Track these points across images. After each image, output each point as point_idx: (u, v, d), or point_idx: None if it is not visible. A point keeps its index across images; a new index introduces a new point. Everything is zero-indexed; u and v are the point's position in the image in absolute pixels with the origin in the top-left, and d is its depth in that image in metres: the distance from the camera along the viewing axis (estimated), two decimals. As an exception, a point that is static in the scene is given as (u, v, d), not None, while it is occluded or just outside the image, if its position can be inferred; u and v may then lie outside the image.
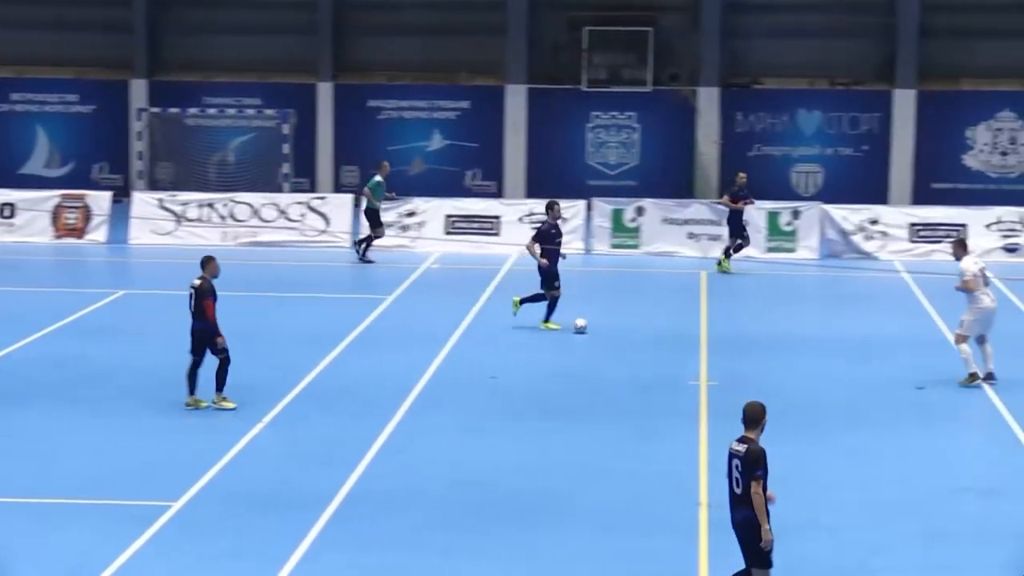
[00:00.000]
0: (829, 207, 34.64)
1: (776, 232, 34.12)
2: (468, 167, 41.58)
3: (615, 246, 34.65)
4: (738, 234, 32.36)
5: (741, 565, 13.95)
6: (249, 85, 41.84)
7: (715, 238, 34.05)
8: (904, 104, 40.45)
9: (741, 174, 33.34)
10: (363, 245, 33.11)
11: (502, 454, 18.85)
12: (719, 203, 33.90)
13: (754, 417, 13.50)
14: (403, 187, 39.23)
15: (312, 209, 35.70)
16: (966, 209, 35.05)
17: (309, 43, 41.75)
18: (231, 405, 20.45)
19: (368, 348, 24.54)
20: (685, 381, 22.49)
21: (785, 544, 15.66)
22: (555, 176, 40.77)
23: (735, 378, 22.59)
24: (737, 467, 13.40)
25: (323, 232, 35.37)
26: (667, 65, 40.80)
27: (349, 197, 36.37)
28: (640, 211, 34.73)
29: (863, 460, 18.69)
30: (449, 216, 35.35)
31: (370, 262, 32.77)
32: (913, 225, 34.49)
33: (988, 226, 34.19)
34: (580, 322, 25.64)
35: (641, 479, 17.82)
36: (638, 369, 23.25)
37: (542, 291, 25.92)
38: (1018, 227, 34.01)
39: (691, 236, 34.32)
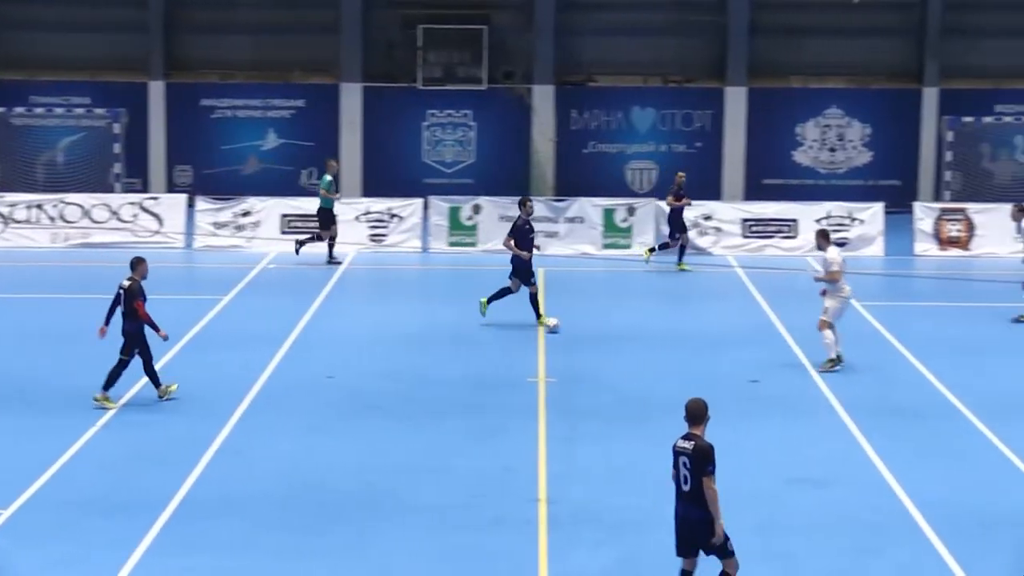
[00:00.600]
0: (664, 203, 34.95)
1: (612, 229, 34.36)
2: (303, 166, 41.26)
3: (453, 244, 34.64)
4: (680, 233, 32.59)
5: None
6: (78, 84, 41.06)
7: (551, 235, 34.22)
8: (735, 101, 41.01)
9: (680, 173, 33.81)
10: (331, 248, 32.89)
11: (340, 454, 18.73)
12: (663, 203, 33.98)
13: (697, 414, 13.58)
14: (237, 187, 38.90)
15: (145, 210, 35.16)
16: (796, 204, 35.61)
17: (140, 41, 41.09)
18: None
19: (204, 349, 24.24)
20: (524, 378, 22.54)
21: (627, 537, 15.79)
22: (392, 175, 40.66)
23: (573, 374, 22.71)
24: (685, 464, 13.42)
25: (156, 233, 34.86)
26: (502, 63, 40.90)
27: (183, 197, 35.89)
28: (477, 209, 34.77)
29: (699, 453, 18.86)
30: (285, 215, 35.04)
31: (338, 263, 32.67)
32: (745, 221, 34.97)
33: (818, 221, 34.72)
34: (552, 321, 25.70)
35: (479, 476, 17.81)
36: (477, 367, 23.25)
37: (508, 287, 26.16)
38: (847, 222, 34.65)
39: (528, 233, 34.41)
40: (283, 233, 34.67)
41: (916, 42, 41.24)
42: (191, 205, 35.34)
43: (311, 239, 32.83)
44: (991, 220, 34.79)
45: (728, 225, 34.79)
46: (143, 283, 20.70)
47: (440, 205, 34.84)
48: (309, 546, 15.52)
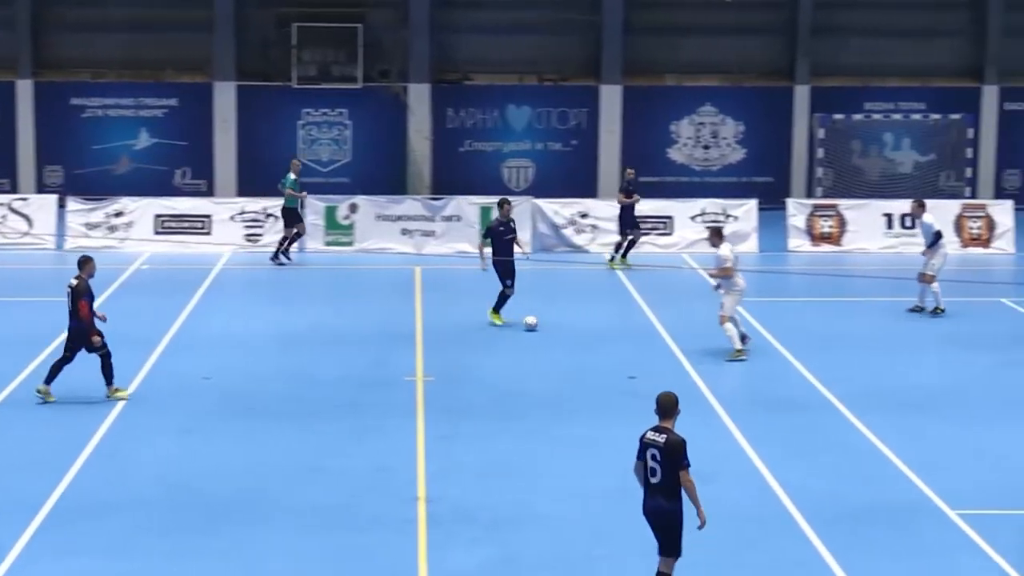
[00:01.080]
0: (540, 201, 35.09)
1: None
2: (177, 165, 40.84)
3: (329, 244, 34.47)
4: (631, 229, 32.73)
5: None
6: (-56, 83, 40.36)
7: (428, 234, 34.20)
8: (610, 99, 41.24)
9: (629, 170, 33.98)
10: (283, 246, 32.69)
11: (216, 456, 18.57)
12: (613, 202, 34.06)
13: (667, 407, 13.66)
14: (110, 187, 38.38)
15: (14, 211, 34.59)
16: (672, 202, 35.89)
17: (6, 39, 40.41)
18: (124, 394, 20.79)
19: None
20: (401, 377, 22.49)
21: (502, 535, 15.82)
22: (267, 174, 40.18)
23: (451, 373, 22.71)
24: (654, 456, 13.45)
25: (26, 234, 34.31)
26: (377, 61, 40.77)
27: (53, 198, 35.37)
28: (353, 208, 34.63)
29: (577, 449, 18.96)
30: (159, 216, 34.65)
31: (287, 262, 32.55)
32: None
33: (693, 218, 35.08)
34: (531, 320, 25.74)
35: (357, 476, 17.75)
36: (354, 367, 23.16)
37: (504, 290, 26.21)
38: (721, 219, 34.96)
39: (405, 232, 34.36)
40: (156, 234, 34.28)
41: (787, 41, 41.75)
42: (62, 206, 34.83)
43: (289, 242, 32.80)
44: (862, 216, 35.33)
45: (604, 222, 34.94)
46: (90, 282, 20.85)
47: (316, 204, 34.64)
48: (187, 548, 15.36)
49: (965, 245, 34.92)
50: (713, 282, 23.87)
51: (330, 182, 40.38)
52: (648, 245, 34.65)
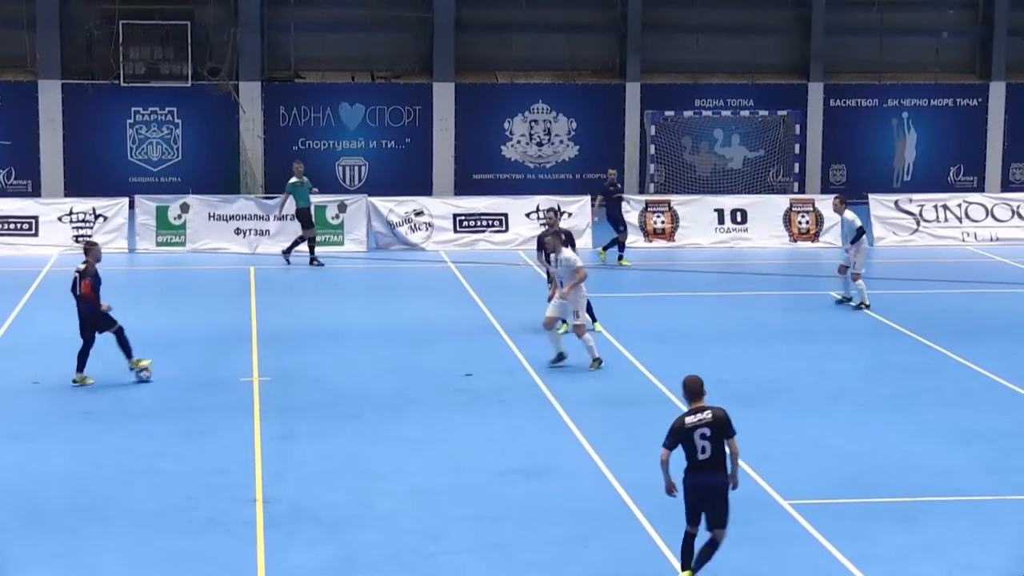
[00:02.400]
0: (375, 199, 34.97)
1: (324, 225, 34.14)
2: (1, 166, 39.98)
3: (161, 244, 33.99)
4: (617, 228, 32.83)
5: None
6: None
7: (262, 233, 33.89)
8: (443, 97, 41.25)
9: (611, 170, 34.40)
10: (309, 249, 32.27)
11: (47, 461, 18.20)
12: (595, 204, 33.97)
13: (698, 387, 14.22)
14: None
15: None
16: (506, 199, 36.01)
17: None
18: (146, 363, 21.84)
19: (-101, 358, 23.28)
20: (237, 378, 22.26)
21: (341, 535, 15.73)
22: (96, 174, 39.70)
23: (288, 373, 22.53)
24: (703, 435, 13.95)
25: None
26: (207, 59, 40.32)
27: None
28: (185, 208, 34.18)
29: (414, 448, 18.92)
30: (-17, 217, 33.92)
31: (319, 266, 32.14)
32: (456, 216, 35.19)
33: (528, 215, 35.23)
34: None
35: (193, 478, 17.51)
36: (188, 368, 22.86)
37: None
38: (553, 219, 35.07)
39: (238, 232, 34.01)
40: (-18, 236, 33.56)
41: (618, 38, 42.14)
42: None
43: (303, 242, 32.38)
44: (694, 211, 35.77)
45: (440, 220, 34.96)
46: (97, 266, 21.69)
47: (147, 204, 34.14)
48: (17, 556, 15.02)
49: (794, 239, 35.52)
50: (566, 291, 23.00)
51: (161, 182, 39.89)
52: (484, 243, 34.73)
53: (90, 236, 33.64)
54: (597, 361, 22.93)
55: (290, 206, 32.84)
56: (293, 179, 32.63)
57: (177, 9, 40.05)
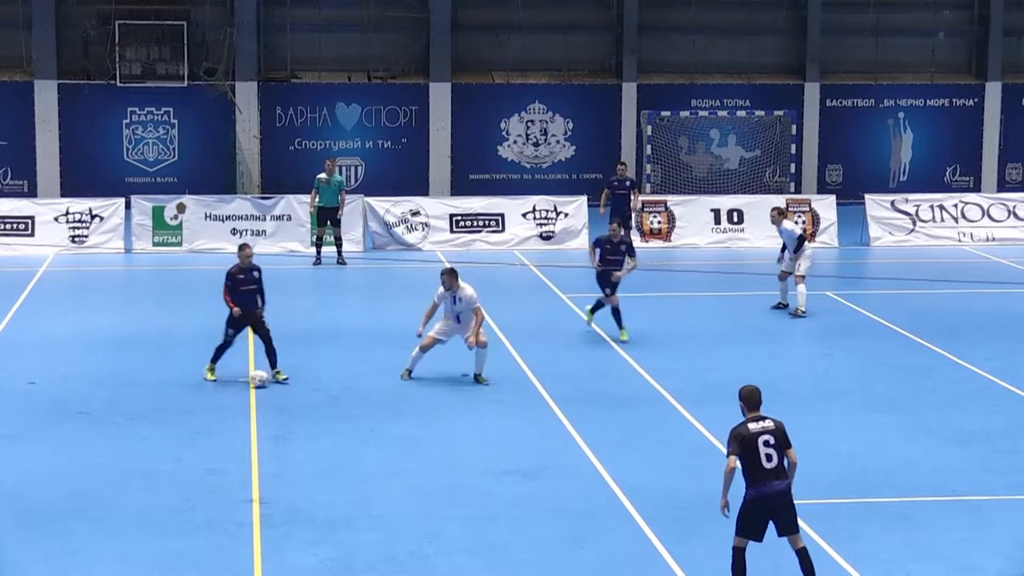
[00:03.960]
0: (371, 200, 34.96)
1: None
2: (-2, 166, 40.01)
3: (157, 244, 33.99)
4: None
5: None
6: None
7: (259, 233, 33.88)
8: (440, 97, 41.25)
9: (621, 164, 34.88)
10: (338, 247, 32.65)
11: (44, 462, 18.18)
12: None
13: (757, 396, 14.15)
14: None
15: None
16: (503, 199, 36.01)
17: None
18: (262, 374, 22.06)
19: None
20: (235, 379, 22.24)
21: (337, 535, 15.72)
22: (92, 174, 39.70)
23: (285, 373, 22.47)
24: (767, 443, 13.82)
25: None
26: (203, 59, 40.31)
27: None
28: (181, 208, 34.18)
29: (411, 448, 18.92)
30: (-21, 217, 33.89)
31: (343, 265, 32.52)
32: (453, 216, 35.20)
33: (524, 215, 35.24)
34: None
35: (188, 480, 17.50)
36: (185, 369, 22.83)
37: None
38: (552, 215, 35.17)
39: (235, 232, 33.99)
40: (-25, 236, 33.55)
41: (614, 39, 42.15)
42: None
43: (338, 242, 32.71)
44: (690, 211, 35.80)
45: (436, 220, 34.98)
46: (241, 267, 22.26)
47: (143, 204, 34.13)
48: (14, 557, 15.01)
49: (790, 239, 35.48)
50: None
51: (157, 182, 39.89)
52: (480, 243, 34.74)
53: (86, 237, 33.68)
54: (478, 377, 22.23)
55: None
56: (321, 175, 32.64)
57: (173, 9, 40.04)
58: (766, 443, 13.85)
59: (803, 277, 27.03)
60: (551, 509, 16.56)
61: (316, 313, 27.27)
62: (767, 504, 13.89)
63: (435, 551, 15.30)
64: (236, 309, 21.93)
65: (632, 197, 33.71)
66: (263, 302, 22.40)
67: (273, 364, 22.03)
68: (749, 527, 13.94)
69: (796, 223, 28.96)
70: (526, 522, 16.17)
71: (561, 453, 18.64)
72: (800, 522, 14.10)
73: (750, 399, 14.15)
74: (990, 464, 18.33)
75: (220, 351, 22.17)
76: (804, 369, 23.39)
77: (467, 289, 22.09)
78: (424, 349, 22.41)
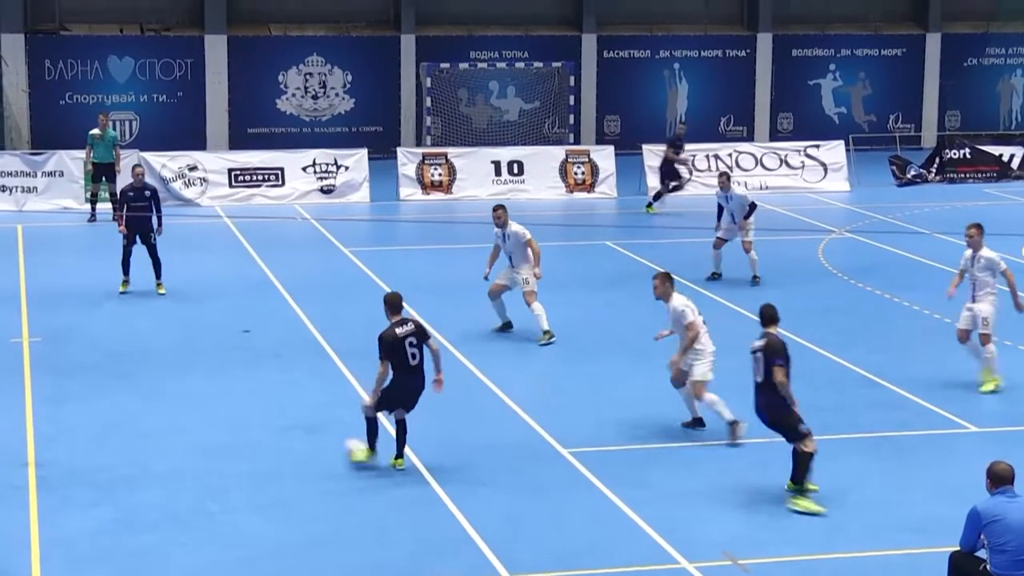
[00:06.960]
0: (147, 154, 34.27)
1: (92, 181, 33.31)
2: None
3: (-78, 203, 32.89)
4: (670, 180, 33.99)
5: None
6: None
7: (29, 190, 33.01)
8: (215, 50, 40.58)
9: (680, 124, 36.76)
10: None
11: None
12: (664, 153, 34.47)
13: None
14: None
15: None
16: (282, 153, 35.64)
17: None
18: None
19: None
20: (7, 339, 21.69)
21: (117, 496, 15.47)
22: None
23: (60, 332, 22.04)
24: (756, 358, 15.34)
25: None
26: (-32, 11, 39.06)
27: None
28: (-52, 165, 33.11)
29: (193, 405, 18.69)
30: None
31: None
32: (232, 171, 34.72)
33: (304, 168, 34.92)
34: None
35: (-38, 444, 17.04)
36: (-47, 330, 22.21)
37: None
38: (332, 169, 34.92)
39: (4, 189, 33.07)
40: None
41: (392, -10, 41.94)
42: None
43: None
44: (471, 164, 35.85)
45: (215, 175, 34.46)
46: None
47: (-93, 162, 32.97)
48: None
49: (571, 190, 35.84)
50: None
51: (-79, 138, 38.58)
52: (260, 197, 34.35)
53: None
54: (547, 334, 21.93)
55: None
56: (94, 131, 31.82)
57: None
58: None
59: (752, 243, 26.30)
60: (334, 463, 16.51)
61: (92, 270, 26.68)
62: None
63: (219, 509, 15.15)
64: (123, 228, 24.29)
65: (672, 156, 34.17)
66: (160, 223, 24.74)
67: (158, 276, 24.50)
68: (386, 403, 16.22)
69: (747, 189, 28.59)
70: (310, 477, 16.10)
71: (343, 406, 18.56)
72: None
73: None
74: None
75: (124, 264, 24.55)
76: (585, 317, 23.61)
77: (514, 226, 22.11)
78: (493, 297, 22.37)
